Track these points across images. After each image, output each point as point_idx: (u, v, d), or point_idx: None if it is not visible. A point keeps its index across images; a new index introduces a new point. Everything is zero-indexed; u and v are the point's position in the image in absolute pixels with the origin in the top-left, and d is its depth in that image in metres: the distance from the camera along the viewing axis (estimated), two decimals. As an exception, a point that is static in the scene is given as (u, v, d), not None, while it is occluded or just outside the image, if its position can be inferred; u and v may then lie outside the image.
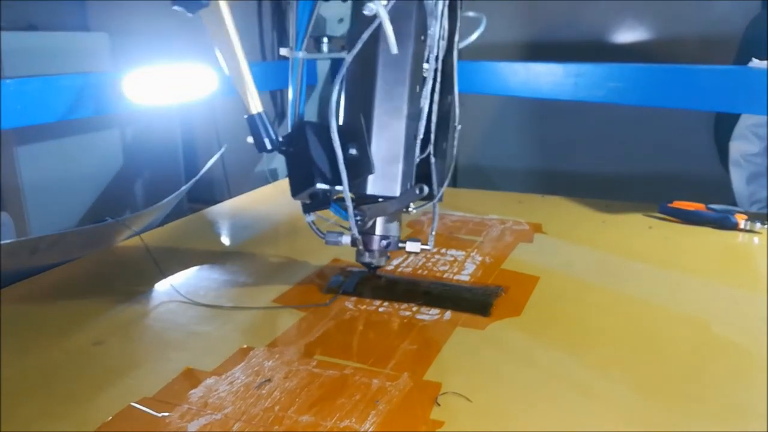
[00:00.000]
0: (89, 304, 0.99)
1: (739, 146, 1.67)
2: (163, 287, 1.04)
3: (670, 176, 2.19)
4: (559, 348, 0.83)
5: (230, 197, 1.69)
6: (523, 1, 2.31)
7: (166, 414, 0.68)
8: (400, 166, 0.89)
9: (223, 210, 1.57)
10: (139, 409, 0.70)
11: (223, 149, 1.74)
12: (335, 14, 1.79)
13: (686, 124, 2.11)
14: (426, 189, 0.91)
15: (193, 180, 1.55)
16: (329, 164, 0.86)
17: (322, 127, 0.86)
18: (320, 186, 0.86)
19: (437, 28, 0.90)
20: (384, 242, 0.94)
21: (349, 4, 0.95)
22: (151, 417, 0.68)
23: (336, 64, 1.85)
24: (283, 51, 0.89)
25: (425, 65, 0.93)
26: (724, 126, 1.85)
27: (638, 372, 0.77)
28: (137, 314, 0.95)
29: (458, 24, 0.96)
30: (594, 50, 2.23)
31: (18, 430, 0.68)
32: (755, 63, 1.40)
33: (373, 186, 0.89)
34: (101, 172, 2.54)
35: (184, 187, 1.59)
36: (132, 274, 1.10)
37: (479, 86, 1.69)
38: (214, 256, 1.20)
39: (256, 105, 0.88)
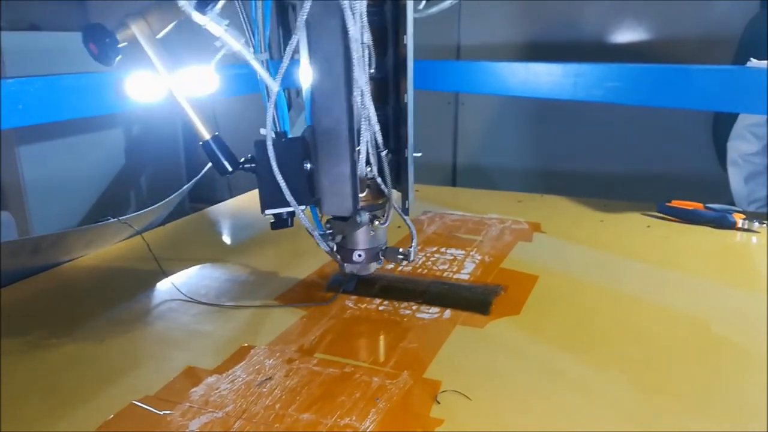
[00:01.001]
0: (91, 303, 1.00)
1: (738, 146, 1.68)
2: (164, 286, 1.04)
3: (668, 176, 2.20)
4: (558, 346, 0.83)
5: (231, 197, 1.70)
6: (523, 2, 2.32)
7: (168, 412, 0.69)
8: (349, 183, 0.86)
9: (225, 209, 1.58)
10: (140, 407, 0.70)
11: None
12: None
13: (685, 123, 2.12)
14: (366, 216, 0.88)
15: (195, 179, 1.55)
16: (294, 181, 0.84)
17: (280, 144, 0.84)
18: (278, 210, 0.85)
19: (354, 31, 0.79)
20: (359, 255, 0.93)
21: None
22: (153, 415, 0.69)
23: None
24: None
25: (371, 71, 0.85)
26: (722, 126, 1.86)
27: (637, 370, 0.77)
28: (139, 313, 0.95)
29: (409, 23, 0.86)
30: (593, 50, 2.24)
31: (20, 427, 0.68)
32: (754, 63, 1.40)
33: (328, 206, 0.88)
34: (103, 171, 2.55)
35: (185, 187, 1.60)
36: (133, 273, 1.11)
37: (478, 86, 1.69)
38: (215, 255, 1.21)
39: (206, 130, 0.88)
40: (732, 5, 1.99)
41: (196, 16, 0.78)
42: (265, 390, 0.73)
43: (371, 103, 0.82)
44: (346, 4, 0.77)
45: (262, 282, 1.06)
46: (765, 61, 1.34)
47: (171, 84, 0.87)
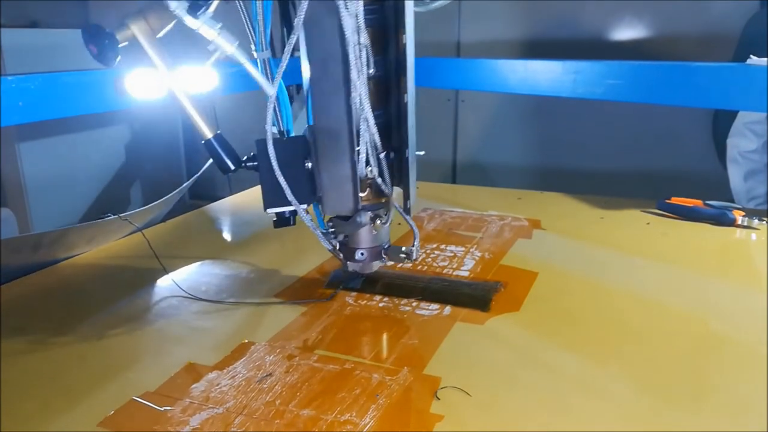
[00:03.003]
0: (91, 299, 1.00)
1: (737, 143, 1.68)
2: (165, 283, 1.05)
3: (668, 173, 2.20)
4: (558, 343, 0.84)
5: (231, 194, 1.70)
6: (522, 0, 2.32)
7: (168, 408, 0.69)
8: (350, 183, 0.86)
9: (225, 206, 1.58)
10: (141, 403, 0.70)
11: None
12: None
13: (685, 121, 2.12)
14: (367, 216, 0.88)
15: (195, 176, 1.55)
16: (288, 182, 0.84)
17: (281, 143, 0.84)
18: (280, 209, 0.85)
19: (350, 31, 0.78)
20: (359, 253, 0.94)
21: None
22: (154, 411, 0.69)
23: None
24: (254, 53, 0.87)
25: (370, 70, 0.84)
26: (722, 123, 1.86)
27: (636, 367, 0.77)
28: (139, 309, 0.96)
29: (409, 22, 0.85)
30: (592, 48, 2.24)
31: (21, 424, 0.68)
32: (753, 60, 1.40)
33: (329, 205, 0.88)
34: (103, 168, 2.55)
35: (186, 184, 1.60)
36: (134, 269, 1.11)
37: (478, 84, 1.69)
38: (215, 251, 1.21)
39: (208, 129, 0.88)
40: (732, 3, 1.99)
41: (189, 21, 0.78)
42: (265, 386, 0.73)
43: (369, 105, 0.81)
44: (341, 4, 0.76)
45: (262, 279, 1.06)
46: (765, 59, 1.35)
47: (172, 83, 0.87)
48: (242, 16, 0.84)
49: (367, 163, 0.85)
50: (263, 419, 0.67)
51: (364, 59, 0.80)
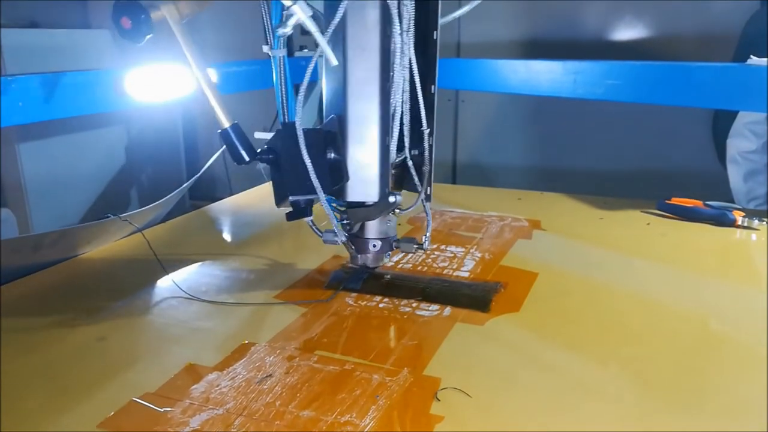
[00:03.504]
0: (91, 300, 1.00)
1: (737, 144, 1.68)
2: (165, 283, 1.04)
3: (668, 173, 2.20)
4: (558, 343, 0.84)
5: (232, 194, 1.70)
6: (523, 0, 2.32)
7: (168, 409, 0.69)
8: (376, 170, 0.87)
9: (225, 207, 1.58)
10: (141, 404, 0.70)
11: (224, 146, 1.74)
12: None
13: (684, 121, 2.12)
14: (399, 197, 0.90)
15: (195, 177, 1.55)
16: (308, 172, 0.84)
17: (304, 133, 0.84)
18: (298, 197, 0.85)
19: (397, 19, 0.83)
20: (372, 245, 0.94)
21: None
22: (153, 412, 0.69)
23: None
24: (265, 48, 0.87)
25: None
26: (722, 123, 1.86)
27: (637, 368, 0.77)
28: (139, 310, 0.96)
29: (439, 19, 0.92)
30: (593, 48, 2.24)
31: (21, 424, 0.68)
32: (754, 60, 1.40)
33: (352, 192, 0.88)
34: (103, 169, 2.55)
35: (186, 184, 1.60)
36: (134, 270, 1.11)
37: (479, 84, 1.69)
38: (215, 252, 1.21)
39: (226, 118, 0.87)
40: (732, 3, 1.99)
41: None
42: (265, 387, 0.73)
43: (402, 94, 0.87)
44: None
45: (262, 279, 1.06)
46: (765, 59, 1.35)
47: (198, 70, 0.86)
48: (263, 14, 0.85)
49: (399, 150, 0.89)
50: (263, 420, 0.67)
51: (409, 46, 0.85)
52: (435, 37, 0.91)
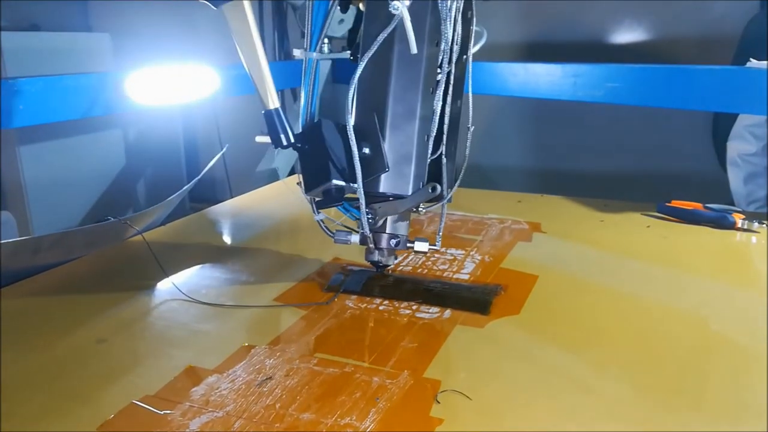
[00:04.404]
0: (92, 302, 1.00)
1: (737, 146, 1.68)
2: (165, 286, 1.04)
3: (668, 176, 2.20)
4: (558, 346, 0.84)
5: (232, 197, 1.70)
6: (523, 2, 2.32)
7: (168, 412, 0.69)
8: (411, 166, 0.90)
9: (225, 209, 1.58)
10: (141, 406, 0.70)
11: (224, 149, 1.75)
12: (336, 15, 1.79)
13: (684, 124, 2.12)
14: (438, 188, 0.91)
15: (195, 179, 1.55)
16: (344, 161, 0.87)
17: (337, 126, 0.88)
18: (335, 182, 0.86)
19: (450, 32, 0.90)
20: (393, 241, 0.95)
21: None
22: (153, 415, 0.69)
23: (338, 64, 1.84)
24: (297, 52, 0.90)
25: (438, 69, 0.93)
26: (722, 126, 1.86)
27: (637, 370, 0.77)
28: (139, 312, 0.96)
29: (473, 28, 1.01)
30: (592, 51, 2.24)
31: (20, 427, 0.68)
32: (753, 63, 1.40)
33: (385, 184, 0.90)
34: (103, 171, 2.55)
35: (186, 187, 1.60)
36: (134, 272, 1.11)
37: (479, 86, 1.68)
38: (215, 254, 1.21)
39: (273, 100, 0.88)
40: (731, 5, 1.99)
41: None
42: (265, 389, 0.73)
43: (443, 97, 0.92)
44: (444, 4, 0.86)
45: (262, 282, 1.06)
46: (764, 62, 1.35)
47: (260, 51, 0.86)
48: (306, 15, 0.86)
49: (435, 149, 0.94)
50: (263, 423, 0.67)
51: (449, 56, 0.92)
52: (470, 44, 1.05)
